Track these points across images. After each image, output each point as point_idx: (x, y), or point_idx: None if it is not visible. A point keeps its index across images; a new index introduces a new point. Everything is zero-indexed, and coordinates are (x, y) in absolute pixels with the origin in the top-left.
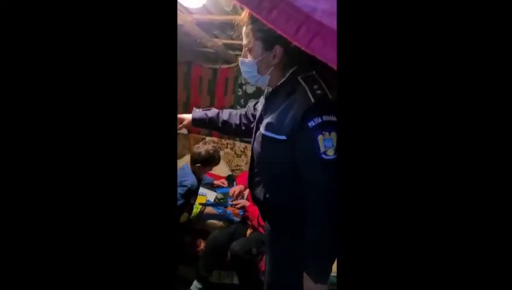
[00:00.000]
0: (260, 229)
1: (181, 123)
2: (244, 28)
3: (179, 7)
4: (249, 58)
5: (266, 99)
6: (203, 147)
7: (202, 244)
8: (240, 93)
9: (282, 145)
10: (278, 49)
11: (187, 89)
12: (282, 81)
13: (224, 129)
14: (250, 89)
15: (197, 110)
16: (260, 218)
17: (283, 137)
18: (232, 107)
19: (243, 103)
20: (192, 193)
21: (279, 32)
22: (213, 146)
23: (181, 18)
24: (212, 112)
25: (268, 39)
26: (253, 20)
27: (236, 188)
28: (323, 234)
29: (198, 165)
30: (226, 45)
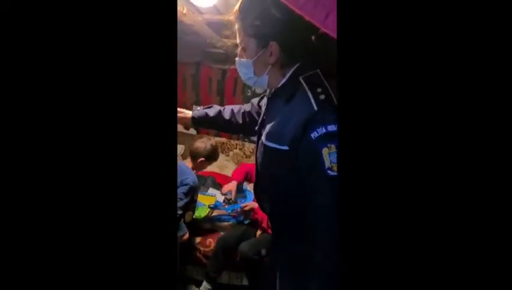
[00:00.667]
0: (270, 230)
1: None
2: (236, 25)
3: (189, 7)
4: (245, 58)
5: (268, 100)
6: (208, 142)
7: (212, 245)
8: (248, 93)
9: (285, 156)
10: (274, 46)
11: (196, 89)
12: (282, 82)
13: (227, 128)
14: (259, 89)
15: (198, 108)
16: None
17: (285, 147)
18: None
19: None
20: (195, 191)
21: (307, 18)
22: (215, 141)
23: (191, 18)
24: (214, 111)
25: (261, 35)
26: (243, 16)
27: (248, 205)
28: (327, 257)
29: (202, 159)
30: (235, 45)
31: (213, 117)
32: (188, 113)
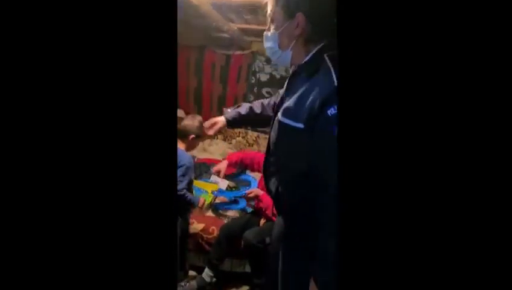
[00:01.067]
0: (274, 218)
1: (214, 127)
2: None
3: None
4: (272, 30)
5: (289, 78)
6: (195, 119)
7: (215, 232)
8: (253, 81)
9: (298, 135)
10: (300, 17)
11: (199, 75)
12: (306, 59)
13: (259, 122)
14: (263, 77)
15: (228, 110)
16: (274, 207)
17: (300, 125)
18: (245, 95)
19: (255, 91)
20: (192, 170)
21: None
22: (201, 118)
23: None
24: (245, 108)
25: (289, 5)
26: None
27: (253, 191)
28: (333, 242)
29: (193, 136)
30: (241, 30)
31: (245, 115)
32: (221, 119)
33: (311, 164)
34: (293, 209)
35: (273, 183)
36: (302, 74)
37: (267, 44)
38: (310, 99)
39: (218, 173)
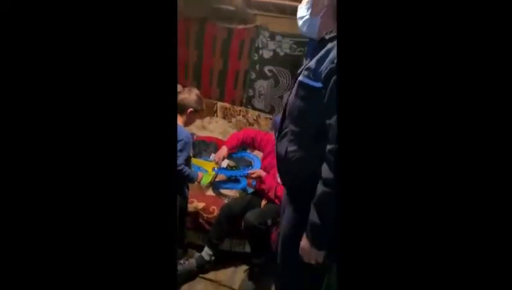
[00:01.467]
0: (276, 200)
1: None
2: None
3: None
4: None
5: (313, 50)
6: (192, 92)
7: (215, 212)
8: (255, 58)
9: (315, 96)
10: None
11: (199, 48)
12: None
13: None
14: (266, 54)
15: None
16: (277, 189)
17: (318, 84)
18: (247, 72)
19: (257, 69)
20: (190, 145)
21: None
22: (198, 92)
23: None
24: None
25: None
26: None
27: (255, 172)
28: (330, 200)
29: (191, 110)
30: (245, 1)
31: None
32: None
33: (321, 126)
34: (298, 171)
35: (282, 145)
36: (327, 40)
37: (300, 13)
38: (329, 58)
39: (221, 160)
